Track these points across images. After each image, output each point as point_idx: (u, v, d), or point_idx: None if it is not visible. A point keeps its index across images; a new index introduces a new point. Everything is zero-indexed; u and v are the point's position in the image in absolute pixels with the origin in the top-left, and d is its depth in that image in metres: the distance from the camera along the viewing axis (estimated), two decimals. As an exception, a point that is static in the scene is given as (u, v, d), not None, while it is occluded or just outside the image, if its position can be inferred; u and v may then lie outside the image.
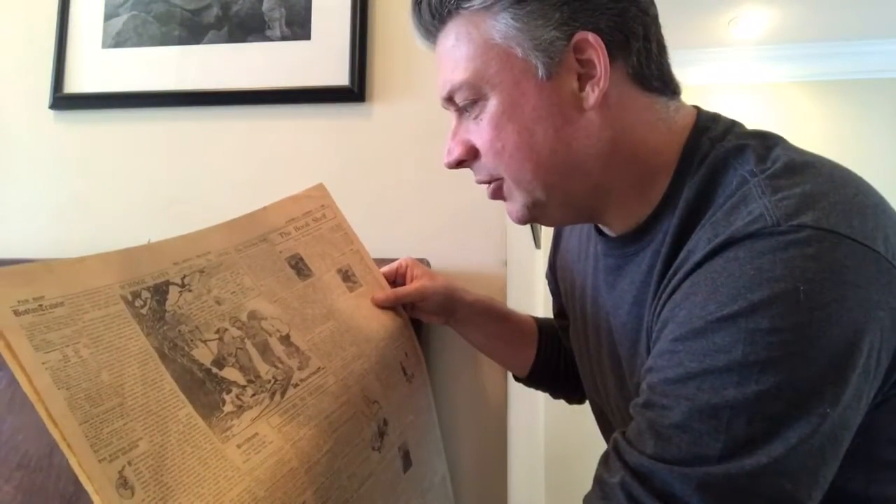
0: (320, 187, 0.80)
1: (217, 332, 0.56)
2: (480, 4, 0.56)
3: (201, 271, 0.58)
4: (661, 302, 0.54)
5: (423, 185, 0.98)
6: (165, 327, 0.52)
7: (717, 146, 0.55)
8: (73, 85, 1.09)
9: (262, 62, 1.03)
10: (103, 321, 0.48)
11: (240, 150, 1.04)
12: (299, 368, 0.60)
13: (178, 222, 0.98)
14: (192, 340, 0.54)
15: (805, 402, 0.43)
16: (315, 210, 0.77)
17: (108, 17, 1.09)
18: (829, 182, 0.48)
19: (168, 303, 0.54)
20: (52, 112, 1.09)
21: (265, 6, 1.04)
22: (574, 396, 0.90)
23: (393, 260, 0.84)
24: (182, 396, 0.50)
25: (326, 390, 0.61)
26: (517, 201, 0.61)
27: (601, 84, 0.54)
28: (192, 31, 1.06)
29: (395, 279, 0.82)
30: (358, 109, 1.01)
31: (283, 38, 1.03)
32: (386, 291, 0.78)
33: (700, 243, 0.50)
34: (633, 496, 0.45)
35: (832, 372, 0.43)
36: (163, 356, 0.51)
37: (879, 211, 0.48)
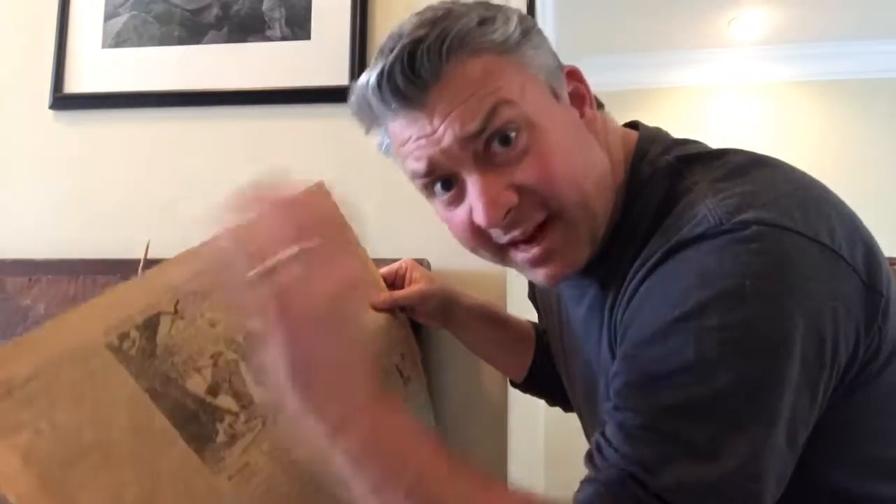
0: (320, 186, 0.79)
1: (212, 356, 0.54)
2: (501, 38, 0.53)
3: (195, 293, 0.56)
4: (622, 309, 0.54)
5: (423, 185, 0.97)
6: (157, 362, 0.50)
7: (660, 160, 0.57)
8: (73, 85, 1.09)
9: (262, 62, 1.03)
10: (84, 378, 0.46)
11: (240, 150, 1.04)
12: None
13: (178, 222, 0.98)
14: (185, 371, 0.52)
15: (761, 396, 0.43)
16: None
17: (108, 17, 1.09)
18: (770, 179, 0.49)
19: (159, 336, 0.52)
20: (52, 112, 1.09)
21: (265, 6, 1.04)
22: (570, 405, 0.89)
23: (393, 260, 0.84)
24: (174, 432, 0.49)
25: None
26: (573, 244, 0.56)
27: (592, 104, 0.57)
28: (192, 31, 1.06)
29: (394, 281, 0.82)
30: (358, 110, 1.01)
31: (283, 38, 1.03)
32: (384, 295, 0.78)
33: (653, 251, 0.51)
34: (609, 495, 0.46)
35: (786, 365, 0.43)
36: (154, 394, 0.49)
37: (822, 202, 0.49)
